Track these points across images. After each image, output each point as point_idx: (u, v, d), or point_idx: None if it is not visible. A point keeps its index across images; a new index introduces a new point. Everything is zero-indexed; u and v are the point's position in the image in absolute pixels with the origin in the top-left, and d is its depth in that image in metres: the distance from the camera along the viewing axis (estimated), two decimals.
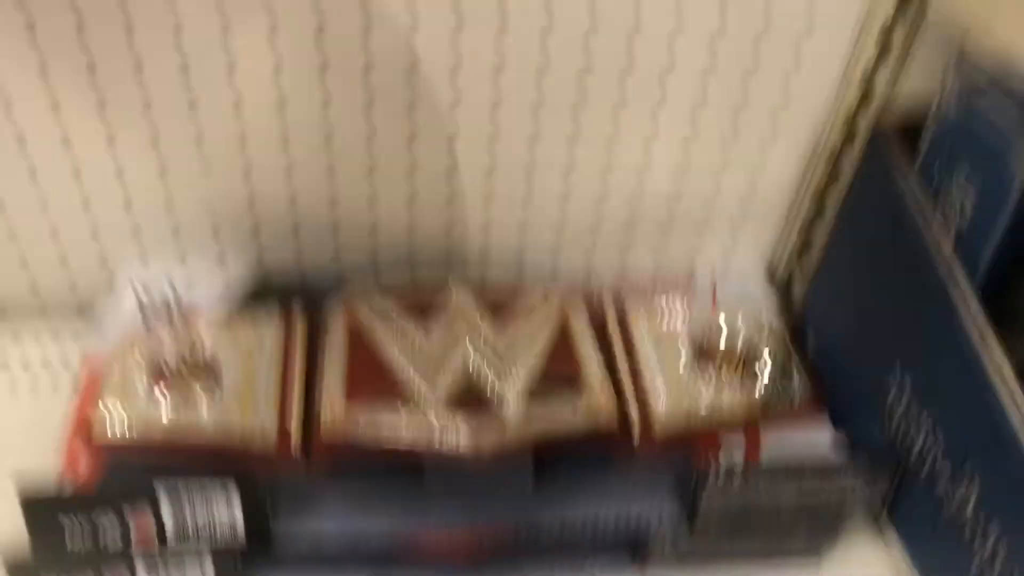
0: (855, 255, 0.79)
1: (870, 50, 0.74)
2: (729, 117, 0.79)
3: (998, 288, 0.61)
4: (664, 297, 0.83)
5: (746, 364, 0.77)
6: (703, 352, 0.78)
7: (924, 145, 0.68)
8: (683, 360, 0.77)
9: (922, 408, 0.67)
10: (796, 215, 0.87)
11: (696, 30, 0.73)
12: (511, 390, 0.70)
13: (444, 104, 0.76)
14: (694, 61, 0.75)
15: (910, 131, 0.70)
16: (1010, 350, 0.59)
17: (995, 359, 0.58)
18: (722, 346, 0.79)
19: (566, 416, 0.71)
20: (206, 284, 0.83)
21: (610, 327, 0.80)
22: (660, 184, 0.83)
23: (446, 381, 0.70)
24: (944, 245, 0.64)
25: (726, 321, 0.80)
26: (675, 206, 0.86)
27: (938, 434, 0.65)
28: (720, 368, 0.77)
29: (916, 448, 0.67)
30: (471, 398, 0.70)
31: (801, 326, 0.84)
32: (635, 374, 0.76)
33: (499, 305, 0.78)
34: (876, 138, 0.74)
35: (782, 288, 0.91)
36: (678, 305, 0.81)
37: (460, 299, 0.77)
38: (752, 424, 0.74)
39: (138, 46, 0.70)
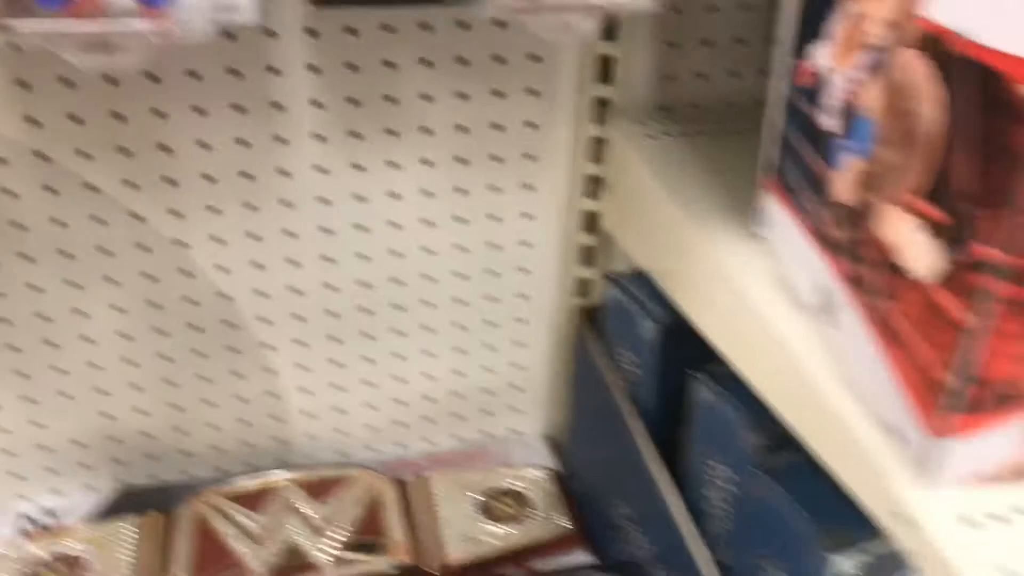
0: (585, 416, 1.02)
1: (576, 266, 1.00)
2: (488, 331, 1.03)
3: (666, 422, 0.84)
4: (461, 465, 1.04)
5: (525, 508, 0.98)
6: (490, 504, 0.99)
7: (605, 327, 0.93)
8: (474, 511, 0.98)
9: (638, 527, 0.88)
10: (557, 394, 1.10)
11: (448, 271, 0.98)
12: (326, 556, 0.89)
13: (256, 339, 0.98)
14: (455, 291, 0.99)
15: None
16: (676, 474, 0.81)
17: (664, 480, 0.81)
18: (507, 498, 0.99)
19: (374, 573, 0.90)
20: (75, 501, 1.00)
21: (416, 497, 1.00)
22: (447, 385, 1.06)
23: (272, 553, 0.89)
24: (623, 400, 0.87)
25: (510, 478, 1.01)
26: (464, 399, 1.08)
27: (647, 544, 0.86)
28: (504, 515, 0.97)
29: (640, 555, 0.88)
30: (293, 566, 0.88)
31: (568, 476, 1.05)
32: (432, 530, 0.95)
33: (319, 486, 0.97)
34: (580, 328, 0.99)
35: (555, 448, 1.13)
36: (472, 470, 1.03)
37: (285, 487, 0.97)
38: (527, 554, 0.94)
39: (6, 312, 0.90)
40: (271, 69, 0.84)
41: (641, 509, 0.87)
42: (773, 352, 0.63)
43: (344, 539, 0.92)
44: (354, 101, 0.88)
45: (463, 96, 0.90)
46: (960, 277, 0.47)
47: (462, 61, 0.88)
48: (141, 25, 0.52)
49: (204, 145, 0.86)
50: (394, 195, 0.94)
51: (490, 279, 1.01)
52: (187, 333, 0.96)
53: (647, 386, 0.84)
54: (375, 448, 1.11)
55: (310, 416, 1.06)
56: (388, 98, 0.88)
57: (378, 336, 1.02)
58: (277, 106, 0.86)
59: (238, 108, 0.85)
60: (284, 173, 0.90)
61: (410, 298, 1.00)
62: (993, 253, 0.45)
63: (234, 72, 0.83)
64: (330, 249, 0.95)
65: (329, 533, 0.93)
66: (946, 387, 0.50)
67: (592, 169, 0.94)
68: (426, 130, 0.91)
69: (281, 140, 0.88)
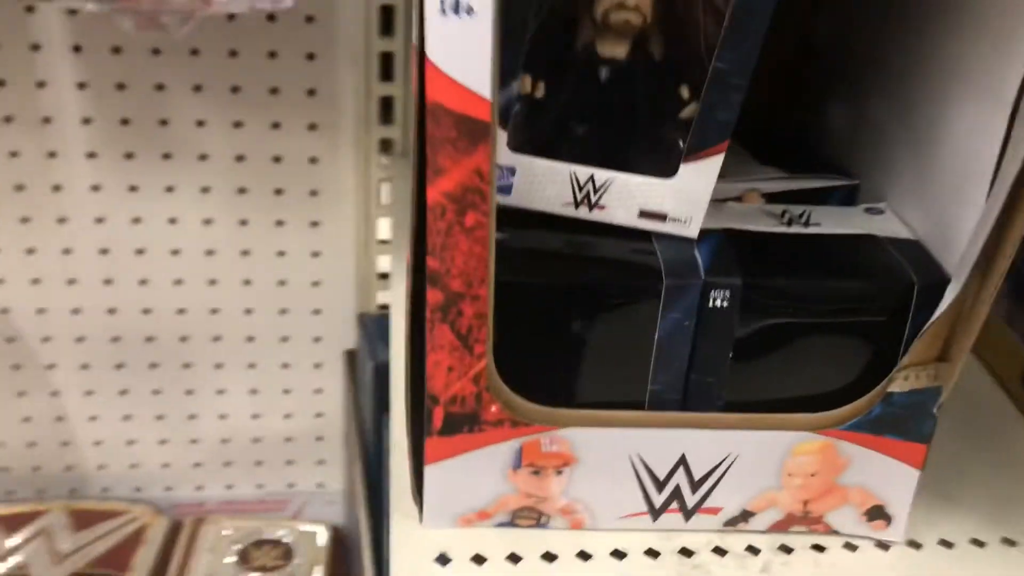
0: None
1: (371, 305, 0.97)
2: (283, 373, 1.00)
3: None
4: (253, 513, 1.00)
5: (284, 560, 0.93)
6: (250, 553, 0.94)
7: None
8: (232, 558, 0.93)
9: None
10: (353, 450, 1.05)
11: (234, 305, 0.95)
12: None
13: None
14: (244, 327, 0.97)
15: None
16: None
17: None
18: (271, 548, 0.95)
19: None
20: None
21: (180, 538, 0.96)
22: (243, 427, 1.03)
23: None
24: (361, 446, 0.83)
25: (283, 529, 0.96)
26: (261, 444, 1.05)
27: None
28: (259, 565, 0.93)
29: None
30: None
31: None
32: (181, 571, 0.91)
33: (83, 517, 0.95)
34: (344, 373, 0.96)
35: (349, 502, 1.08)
36: (256, 518, 0.99)
37: (49, 514, 0.94)
38: None
39: None
40: (40, 84, 0.85)
41: None
42: None
43: (78, 570, 0.89)
44: (125, 121, 0.88)
45: (239, 125, 0.89)
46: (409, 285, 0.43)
47: (235, 90, 0.87)
48: None
49: None
50: (172, 220, 0.93)
51: (280, 317, 0.98)
52: None
53: (370, 429, 0.80)
54: (174, 488, 1.08)
55: (100, 446, 1.04)
56: (162, 121, 0.88)
57: (165, 367, 1.00)
58: (47, 120, 0.86)
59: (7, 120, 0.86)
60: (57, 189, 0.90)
61: (196, 329, 0.98)
62: (433, 262, 0.41)
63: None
64: (109, 270, 0.94)
65: (67, 563, 0.90)
66: (416, 405, 0.45)
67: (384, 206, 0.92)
68: (203, 157, 0.90)
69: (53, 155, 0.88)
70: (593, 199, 0.45)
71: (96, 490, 1.06)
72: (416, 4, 0.36)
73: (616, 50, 0.44)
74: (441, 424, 0.44)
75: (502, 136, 0.44)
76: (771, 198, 0.54)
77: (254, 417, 1.04)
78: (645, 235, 0.46)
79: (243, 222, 0.93)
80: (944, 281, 0.43)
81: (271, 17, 0.85)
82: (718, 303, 0.44)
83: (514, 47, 0.43)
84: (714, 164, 0.44)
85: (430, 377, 0.43)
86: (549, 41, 0.44)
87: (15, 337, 0.96)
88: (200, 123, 0.89)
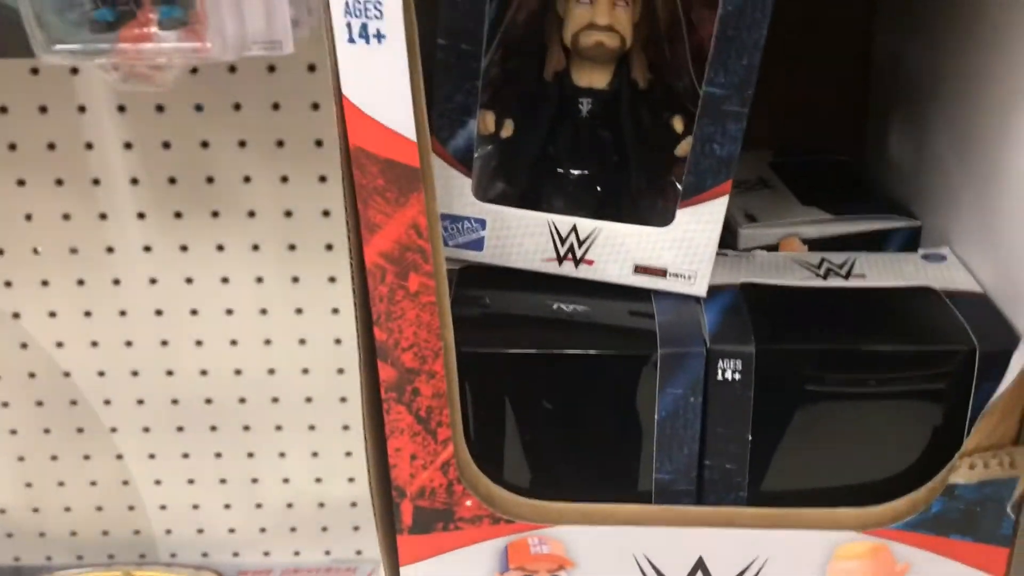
0: None
1: None
2: (344, 435, 0.96)
3: None
4: None
5: None
6: None
7: None
8: None
9: None
10: None
11: (290, 365, 0.92)
12: None
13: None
14: (301, 388, 0.93)
15: None
16: None
17: None
18: None
19: None
20: None
21: None
22: (305, 491, 0.99)
23: None
24: None
25: None
26: (325, 509, 1.00)
27: None
28: None
29: None
30: None
31: None
32: None
33: None
34: None
35: None
36: None
37: None
38: None
39: None
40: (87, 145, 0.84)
41: None
42: None
43: None
44: (173, 180, 0.86)
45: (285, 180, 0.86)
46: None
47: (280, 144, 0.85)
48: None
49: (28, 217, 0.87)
50: (224, 279, 0.90)
51: (337, 377, 0.94)
52: (29, 407, 0.95)
53: None
54: (240, 554, 1.04)
55: (166, 510, 1.01)
56: (209, 179, 0.86)
57: (224, 429, 0.97)
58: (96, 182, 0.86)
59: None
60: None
61: (253, 390, 0.95)
62: (380, 333, 0.35)
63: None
64: (164, 332, 0.92)
65: None
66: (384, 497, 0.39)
67: None
68: (251, 214, 0.87)
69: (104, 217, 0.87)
70: (579, 253, 0.38)
71: (165, 555, 1.04)
72: (327, 35, 0.31)
73: (595, 78, 0.37)
74: (411, 521, 0.38)
75: (466, 183, 0.39)
76: (815, 245, 0.46)
77: (317, 481, 1.00)
78: (644, 294, 0.39)
79: (295, 279, 0.90)
80: (1014, 344, 0.35)
81: (311, 68, 0.82)
82: (728, 375, 0.36)
83: (467, 79, 0.37)
84: (717, 208, 0.37)
85: (393, 466, 0.37)
86: (514, 71, 0.38)
87: (77, 400, 0.95)
88: (246, 179, 0.86)
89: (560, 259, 0.39)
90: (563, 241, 0.38)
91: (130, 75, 0.55)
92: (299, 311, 0.91)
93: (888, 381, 0.37)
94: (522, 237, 0.38)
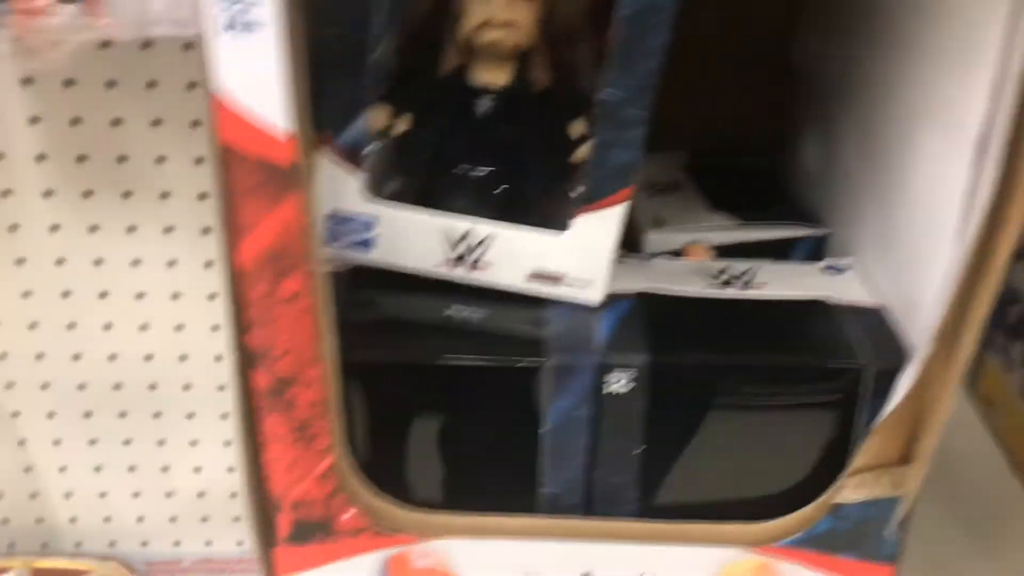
0: None
1: None
2: None
3: None
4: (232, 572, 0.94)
5: None
6: None
7: None
8: None
9: None
10: None
11: (204, 352, 0.90)
12: None
13: None
14: (216, 375, 0.91)
15: None
16: None
17: None
18: None
19: None
20: None
21: None
22: (219, 480, 0.97)
23: None
24: None
25: None
26: (238, 503, 0.98)
27: None
28: None
29: None
30: None
31: None
32: None
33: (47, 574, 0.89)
34: None
35: None
36: None
37: (14, 574, 0.89)
38: None
39: None
40: None
41: None
42: None
43: None
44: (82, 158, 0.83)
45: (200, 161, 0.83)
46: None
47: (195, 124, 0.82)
48: None
49: None
50: (135, 262, 0.87)
51: None
52: None
53: None
54: (149, 543, 1.02)
55: (71, 498, 0.98)
56: (121, 158, 0.83)
57: (134, 417, 0.94)
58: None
59: None
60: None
61: (164, 378, 0.92)
62: (254, 339, 0.33)
63: None
64: (71, 314, 0.89)
65: None
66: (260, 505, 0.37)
67: None
68: (165, 195, 0.85)
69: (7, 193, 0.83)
70: (473, 257, 0.37)
71: (69, 544, 1.01)
72: (201, 23, 0.29)
73: (493, 76, 0.36)
74: (288, 531, 0.37)
75: (354, 181, 0.37)
76: (722, 251, 0.45)
77: (230, 470, 0.98)
78: (540, 300, 0.38)
79: (209, 263, 0.88)
80: (903, 363, 0.35)
81: None
82: (619, 387, 0.35)
83: (358, 72, 0.35)
84: (615, 216, 0.36)
85: (269, 476, 0.36)
86: (412, 65, 0.36)
87: None
88: (160, 159, 0.83)
89: (453, 263, 0.37)
90: (456, 244, 0.37)
91: (25, 49, 0.52)
92: (212, 296, 0.88)
93: (778, 396, 0.36)
94: (414, 239, 0.37)
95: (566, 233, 0.37)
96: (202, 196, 0.83)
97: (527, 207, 0.37)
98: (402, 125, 0.37)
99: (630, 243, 0.48)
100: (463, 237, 0.37)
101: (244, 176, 0.30)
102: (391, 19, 0.35)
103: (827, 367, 0.36)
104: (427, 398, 0.36)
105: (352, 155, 0.36)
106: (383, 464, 0.37)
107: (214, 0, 0.28)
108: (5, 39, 0.52)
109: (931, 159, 0.35)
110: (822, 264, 0.42)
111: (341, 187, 0.37)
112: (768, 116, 0.56)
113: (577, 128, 0.36)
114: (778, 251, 0.45)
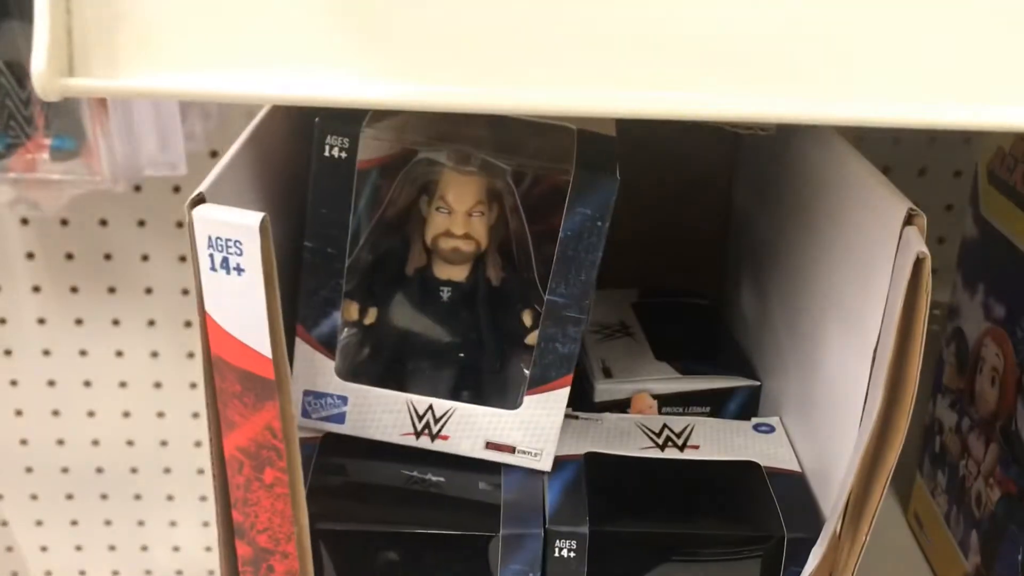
0: None
1: None
2: None
3: None
4: None
5: None
6: None
7: None
8: None
9: None
10: None
11: (183, 437, 0.93)
12: None
13: None
14: (194, 459, 0.94)
15: None
16: None
17: None
18: None
19: None
20: None
21: None
22: (197, 560, 1.00)
23: None
24: None
25: None
26: None
27: None
28: None
29: None
30: None
31: None
32: None
33: None
34: None
35: None
36: None
37: None
38: None
39: None
40: None
41: None
42: None
43: None
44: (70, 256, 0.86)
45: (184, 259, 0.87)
46: None
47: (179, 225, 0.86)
48: None
49: None
50: (119, 353, 0.91)
51: None
52: None
53: None
54: None
55: None
56: (107, 256, 0.87)
57: (114, 498, 0.97)
58: None
59: None
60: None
61: (145, 462, 0.96)
62: (237, 515, 0.37)
63: None
64: (56, 402, 0.92)
65: None
66: None
67: None
68: (148, 290, 0.88)
69: None
70: (434, 429, 0.41)
71: None
72: (192, 255, 0.33)
73: (454, 273, 0.40)
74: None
75: (330, 365, 0.41)
76: (665, 399, 0.50)
77: (207, 550, 1.01)
78: (495, 467, 0.42)
79: (190, 354, 0.91)
80: (818, 531, 0.39)
81: (213, 153, 0.83)
82: (564, 553, 0.40)
83: (332, 277, 0.40)
84: (559, 398, 0.40)
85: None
86: (381, 263, 0.41)
87: None
88: (144, 257, 0.87)
89: (417, 434, 0.42)
90: (420, 418, 0.41)
91: (23, 197, 0.56)
92: (193, 386, 0.92)
93: (706, 559, 0.40)
94: (381, 413, 0.41)
95: (518, 410, 0.41)
96: (185, 292, 0.87)
97: (482, 386, 0.41)
98: (370, 317, 0.41)
99: (580, 391, 0.52)
100: (426, 412, 0.41)
101: (231, 382, 0.34)
102: (367, 221, 0.40)
103: (752, 535, 0.40)
104: (393, 561, 0.40)
105: (326, 344, 0.41)
106: None
107: (206, 245, 0.32)
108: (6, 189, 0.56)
109: (839, 354, 0.40)
110: (752, 423, 0.47)
111: (317, 370, 0.41)
112: (711, 257, 0.61)
113: (527, 318, 0.40)
114: (715, 400, 0.50)
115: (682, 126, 0.60)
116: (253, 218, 0.32)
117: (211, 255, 0.32)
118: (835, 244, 0.41)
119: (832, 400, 0.41)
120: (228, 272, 0.32)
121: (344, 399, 0.41)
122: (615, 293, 0.59)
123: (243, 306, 0.33)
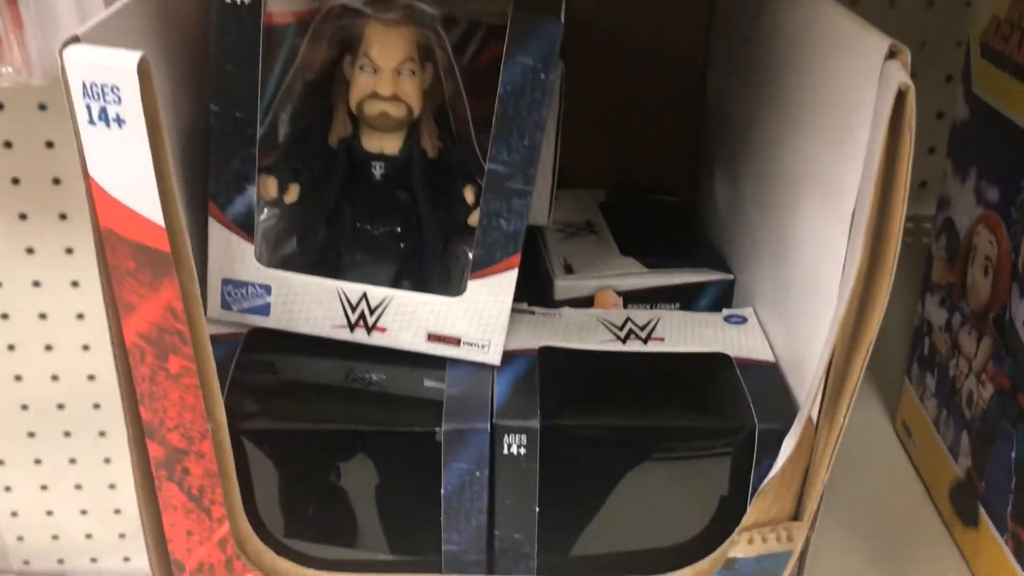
0: None
1: None
2: None
3: None
4: None
5: None
6: None
7: None
8: None
9: None
10: None
11: None
12: None
13: None
14: None
15: None
16: None
17: None
18: None
19: None
20: None
21: None
22: None
23: None
24: None
25: None
26: None
27: None
28: None
29: None
30: None
31: None
32: None
33: None
34: None
35: None
36: None
37: None
38: None
39: None
40: None
41: None
42: None
43: None
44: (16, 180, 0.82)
45: None
46: None
47: None
48: None
49: None
50: (74, 283, 0.87)
51: None
52: None
53: None
54: (99, 559, 1.02)
55: (17, 517, 0.98)
56: (56, 180, 0.82)
57: (78, 435, 0.94)
58: None
59: None
60: None
61: (108, 397, 0.92)
62: (145, 412, 0.33)
63: None
64: (11, 336, 0.89)
65: None
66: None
67: None
68: None
69: None
70: (370, 321, 0.37)
71: (17, 563, 1.01)
72: (70, 111, 0.29)
73: (385, 144, 0.36)
74: None
75: (248, 249, 0.37)
76: (630, 296, 0.46)
77: None
78: (440, 361, 0.39)
79: None
80: (791, 422, 0.35)
81: None
82: (513, 449, 0.36)
83: (243, 146, 0.35)
84: (507, 281, 0.36)
85: (170, 540, 0.36)
86: (301, 135, 0.36)
87: None
88: None
89: (351, 326, 0.38)
90: (354, 308, 0.37)
91: None
92: None
93: (671, 455, 0.37)
94: (310, 304, 0.37)
95: (461, 297, 0.37)
96: None
97: (426, 268, 0.37)
98: (291, 195, 0.37)
99: (540, 289, 0.48)
100: (359, 302, 0.37)
101: (124, 258, 0.30)
102: (277, 93, 0.35)
103: (721, 427, 0.37)
104: (326, 462, 0.37)
105: (242, 225, 0.36)
106: (287, 528, 0.37)
107: (81, 94, 0.28)
108: None
109: (814, 227, 0.36)
110: (723, 314, 0.43)
111: (235, 256, 0.37)
112: (684, 153, 0.57)
113: (469, 194, 0.36)
114: (685, 296, 0.46)
115: (652, 12, 0.56)
116: (130, 59, 0.27)
117: (88, 105, 0.28)
118: (810, 105, 0.37)
119: (807, 283, 0.37)
120: (108, 124, 0.28)
121: (267, 288, 0.37)
122: (582, 192, 0.55)
123: (128, 166, 0.29)
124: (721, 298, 0.46)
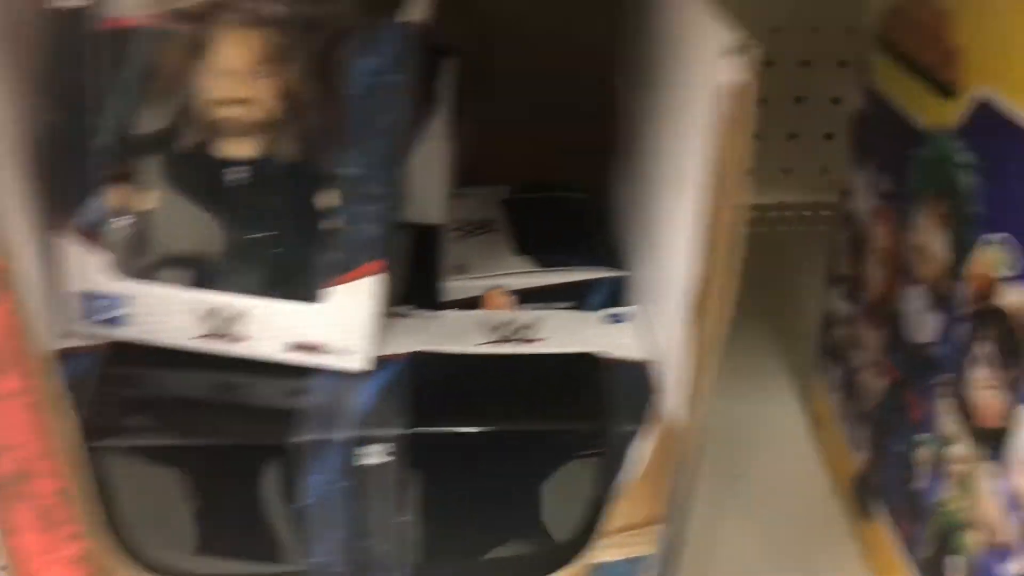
0: None
1: None
2: None
3: None
4: None
5: None
6: None
7: None
8: None
9: None
10: None
11: None
12: None
13: None
14: None
15: None
16: None
17: None
18: None
19: None
20: None
21: None
22: None
23: None
24: None
25: None
26: None
27: None
28: None
29: None
30: None
31: None
32: None
33: None
34: None
35: None
36: None
37: None
38: None
39: None
40: None
41: None
42: None
43: None
44: None
45: None
46: None
47: None
48: None
49: None
50: None
51: None
52: None
53: None
54: None
55: None
56: None
57: None
58: None
59: None
60: None
61: None
62: None
63: None
64: None
65: None
66: None
67: None
68: None
69: None
70: (230, 330, 0.37)
71: None
72: None
73: (239, 149, 0.35)
74: None
75: (104, 259, 0.36)
76: (524, 295, 0.45)
77: None
78: (304, 370, 0.37)
79: None
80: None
81: None
82: (376, 459, 0.35)
83: (88, 153, 0.34)
84: (368, 287, 0.35)
85: (25, 559, 0.35)
86: (151, 143, 0.35)
87: None
88: None
89: (211, 336, 0.37)
90: (213, 318, 0.36)
91: None
92: None
93: (530, 460, 0.36)
94: (167, 314, 0.36)
95: (323, 304, 0.36)
96: None
97: (279, 279, 0.36)
98: (148, 202, 0.36)
99: (430, 291, 0.47)
100: (216, 311, 0.36)
101: None
102: (126, 99, 0.34)
103: (571, 429, 0.36)
104: (189, 477, 0.36)
105: (93, 235, 0.35)
106: (155, 543, 0.37)
107: None
108: None
109: (672, 224, 0.35)
110: (602, 313, 0.42)
111: (89, 267, 0.36)
112: (599, 148, 0.56)
113: (328, 198, 0.35)
114: (577, 294, 0.45)
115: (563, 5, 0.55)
116: None
117: None
118: (673, 102, 0.37)
119: (671, 280, 0.36)
120: None
121: (122, 300, 0.36)
122: (484, 190, 0.54)
123: None
124: (614, 295, 0.46)
